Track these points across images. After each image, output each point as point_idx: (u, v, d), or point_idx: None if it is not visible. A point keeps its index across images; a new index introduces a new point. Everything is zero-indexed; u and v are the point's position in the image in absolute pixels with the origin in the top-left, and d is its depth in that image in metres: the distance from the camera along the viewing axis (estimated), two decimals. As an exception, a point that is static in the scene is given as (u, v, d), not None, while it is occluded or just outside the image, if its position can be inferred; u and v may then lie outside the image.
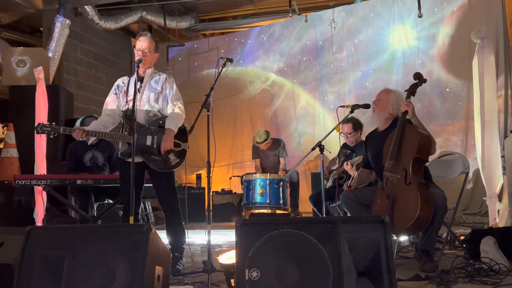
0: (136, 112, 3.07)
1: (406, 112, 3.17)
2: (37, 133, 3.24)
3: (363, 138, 4.68)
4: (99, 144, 4.83)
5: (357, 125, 4.64)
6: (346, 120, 4.49)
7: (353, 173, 4.24)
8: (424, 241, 3.05)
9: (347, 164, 4.16)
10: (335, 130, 4.41)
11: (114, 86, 3.39)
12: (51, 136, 3.24)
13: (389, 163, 3.10)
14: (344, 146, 4.77)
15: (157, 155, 3.23)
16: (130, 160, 2.94)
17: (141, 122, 3.24)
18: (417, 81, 3.30)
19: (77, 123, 4.79)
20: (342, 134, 4.63)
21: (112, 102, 3.37)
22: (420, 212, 2.84)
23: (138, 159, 3.19)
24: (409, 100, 3.22)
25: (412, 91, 3.29)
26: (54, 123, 3.25)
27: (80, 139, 3.20)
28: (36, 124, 3.27)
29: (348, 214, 4.20)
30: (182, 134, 3.32)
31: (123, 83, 3.37)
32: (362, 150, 4.46)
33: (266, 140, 6.40)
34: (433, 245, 3.08)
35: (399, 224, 2.92)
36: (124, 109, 3.30)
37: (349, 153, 4.61)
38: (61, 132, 3.21)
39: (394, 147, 3.11)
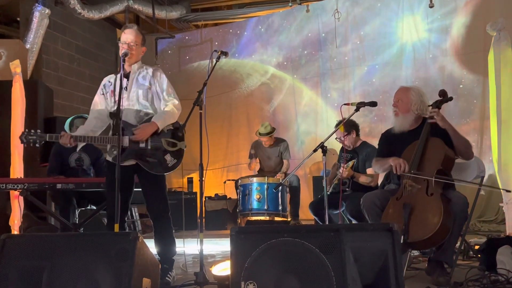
0: (123, 112, 3.06)
1: (432, 122, 3.18)
2: (22, 143, 3.21)
3: (362, 139, 4.69)
4: (86, 146, 4.82)
5: (348, 126, 4.53)
6: (336, 124, 4.45)
7: (351, 173, 4.36)
8: (440, 252, 3.04)
9: (342, 172, 4.20)
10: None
11: (101, 85, 3.36)
12: (37, 145, 3.21)
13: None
14: (344, 150, 4.72)
15: (152, 157, 3.20)
16: (122, 164, 2.95)
17: (132, 122, 3.20)
18: (442, 98, 3.33)
19: (67, 124, 4.77)
20: (336, 139, 4.57)
21: (100, 103, 3.34)
22: (441, 225, 2.86)
23: (130, 162, 3.18)
24: (436, 110, 3.21)
25: (438, 106, 3.28)
26: (39, 130, 3.23)
27: (69, 146, 3.20)
28: (20, 134, 3.23)
29: (353, 222, 4.21)
30: (178, 132, 3.28)
31: (109, 81, 3.33)
32: (365, 153, 4.48)
33: (271, 133, 6.24)
34: (450, 257, 3.08)
35: (415, 234, 2.91)
36: (112, 110, 3.25)
37: (350, 157, 4.54)
38: (47, 139, 3.20)
39: (416, 157, 3.14)
